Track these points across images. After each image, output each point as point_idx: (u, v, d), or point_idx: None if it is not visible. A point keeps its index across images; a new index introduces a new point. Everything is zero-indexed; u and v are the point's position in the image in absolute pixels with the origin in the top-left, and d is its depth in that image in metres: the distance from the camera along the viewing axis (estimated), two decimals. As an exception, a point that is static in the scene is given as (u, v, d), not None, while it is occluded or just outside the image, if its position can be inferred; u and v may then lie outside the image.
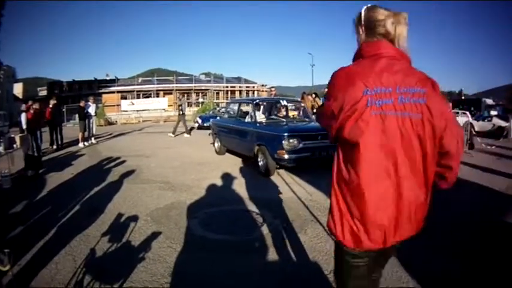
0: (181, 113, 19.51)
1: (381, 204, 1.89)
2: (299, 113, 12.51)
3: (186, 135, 19.58)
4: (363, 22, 2.04)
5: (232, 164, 10.23)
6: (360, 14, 2.06)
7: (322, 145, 8.78)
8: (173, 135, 19.25)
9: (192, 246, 4.66)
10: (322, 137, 8.62)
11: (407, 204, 1.91)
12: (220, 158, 11.81)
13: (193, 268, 4.07)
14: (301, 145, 8.63)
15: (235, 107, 13.14)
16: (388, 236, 1.92)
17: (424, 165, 1.93)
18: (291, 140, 8.52)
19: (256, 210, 6.15)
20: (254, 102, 11.13)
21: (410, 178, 1.90)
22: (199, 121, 27.89)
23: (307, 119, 11.00)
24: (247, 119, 10.77)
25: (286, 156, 8.38)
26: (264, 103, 12.54)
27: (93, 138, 16.31)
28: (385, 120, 1.81)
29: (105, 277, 3.66)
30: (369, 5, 2.05)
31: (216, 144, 13.07)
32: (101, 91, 52.53)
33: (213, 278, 3.85)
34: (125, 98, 51.18)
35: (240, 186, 7.84)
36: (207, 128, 24.54)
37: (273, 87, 19.80)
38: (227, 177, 8.32)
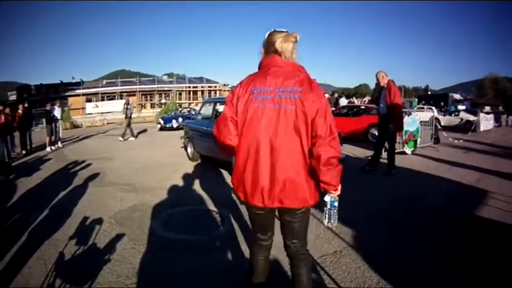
0: (129, 115, 18.54)
1: (258, 174, 2.57)
2: None
3: (120, 138, 18.02)
4: (264, 44, 2.81)
5: (193, 165, 10.20)
6: (264, 39, 2.81)
7: None
8: (134, 138, 18.57)
9: (155, 247, 4.67)
10: None
11: (281, 178, 2.54)
12: (181, 159, 11.53)
13: (156, 268, 4.11)
14: None
15: (210, 107, 10.42)
16: (265, 199, 2.57)
17: (302, 149, 2.55)
18: None
19: (216, 210, 6.16)
20: None
21: (286, 158, 2.54)
22: (161, 122, 26.32)
23: None
24: None
25: None
26: None
27: (59, 142, 16.03)
28: (265, 110, 2.55)
29: (74, 279, 3.71)
30: (270, 31, 2.78)
31: (189, 150, 11.35)
32: (67, 94, 50.88)
33: (176, 278, 3.88)
34: (90, 101, 49.98)
35: (200, 186, 7.72)
36: (169, 129, 24.62)
37: (234, 86, 19.40)
38: (188, 178, 8.31)
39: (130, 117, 18.69)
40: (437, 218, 5.85)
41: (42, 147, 15.21)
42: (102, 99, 50.51)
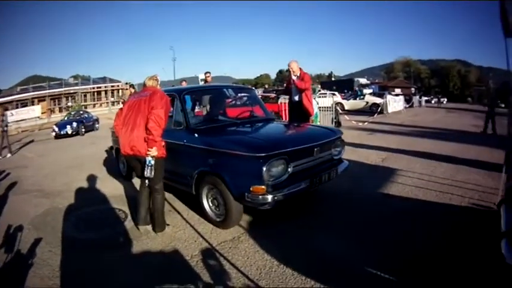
0: (5, 129, 14.74)
1: (124, 136, 4.69)
2: (251, 108, 6.77)
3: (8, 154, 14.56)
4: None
5: (96, 166, 10.15)
6: None
7: (320, 162, 5.07)
8: (11, 154, 14.78)
9: (67, 247, 4.64)
10: (319, 148, 4.96)
11: (135, 137, 4.55)
12: (85, 161, 11.33)
13: (71, 268, 4.09)
14: (289, 170, 4.46)
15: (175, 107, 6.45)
16: (134, 150, 4.61)
17: (145, 122, 4.50)
18: (275, 163, 4.32)
19: (119, 207, 6.13)
20: (182, 94, 5.76)
21: (139, 127, 4.55)
22: (56, 129, 21.21)
23: (263, 118, 6.49)
24: (173, 125, 5.60)
25: (268, 198, 4.23)
26: (199, 96, 7.02)
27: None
28: (133, 101, 4.79)
29: (8, 285, 3.78)
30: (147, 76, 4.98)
31: (122, 165, 8.09)
32: None
33: (88, 275, 3.92)
34: (7, 110, 45.74)
35: (103, 186, 7.60)
36: (65, 136, 20.72)
37: (132, 84, 17.42)
38: (92, 179, 8.23)
39: (6, 130, 15.10)
40: (339, 198, 5.81)
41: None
42: (17, 107, 45.53)
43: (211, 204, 5.11)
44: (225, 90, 7.21)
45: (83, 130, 22.47)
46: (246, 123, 6.09)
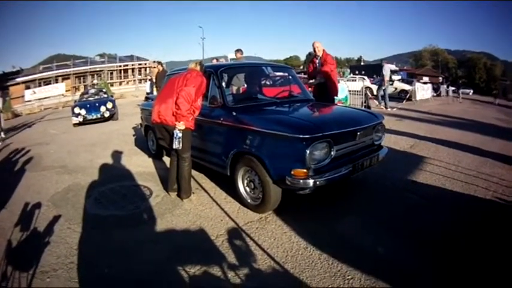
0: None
1: (155, 107, 5.06)
2: (289, 87, 6.43)
3: None
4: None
5: (122, 142, 10.04)
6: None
7: (361, 147, 4.81)
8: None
9: (88, 225, 4.56)
10: (362, 132, 4.65)
11: (163, 107, 4.93)
12: (111, 136, 11.23)
13: (90, 246, 4.03)
14: (332, 154, 4.19)
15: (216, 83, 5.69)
16: (157, 118, 5.02)
17: (173, 100, 4.80)
18: (319, 146, 4.06)
19: (144, 184, 6.05)
20: (219, 71, 5.48)
21: (169, 99, 4.91)
22: (83, 112, 15.03)
23: (303, 98, 6.23)
24: (209, 103, 5.37)
25: (310, 182, 3.99)
26: (237, 73, 6.57)
27: (2, 133, 14.40)
28: (172, 79, 5.19)
29: (22, 265, 3.63)
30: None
31: (151, 143, 7.94)
32: (8, 84, 46.17)
33: (109, 253, 3.85)
34: (29, 88, 44.92)
35: (129, 163, 7.53)
36: (95, 121, 15.29)
37: (160, 62, 16.93)
38: (117, 156, 8.16)
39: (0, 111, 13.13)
40: (368, 183, 5.73)
41: (-13, 138, 13.74)
42: (40, 85, 46.01)
43: (247, 187, 4.87)
44: (263, 68, 6.82)
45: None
46: (286, 103, 5.76)
